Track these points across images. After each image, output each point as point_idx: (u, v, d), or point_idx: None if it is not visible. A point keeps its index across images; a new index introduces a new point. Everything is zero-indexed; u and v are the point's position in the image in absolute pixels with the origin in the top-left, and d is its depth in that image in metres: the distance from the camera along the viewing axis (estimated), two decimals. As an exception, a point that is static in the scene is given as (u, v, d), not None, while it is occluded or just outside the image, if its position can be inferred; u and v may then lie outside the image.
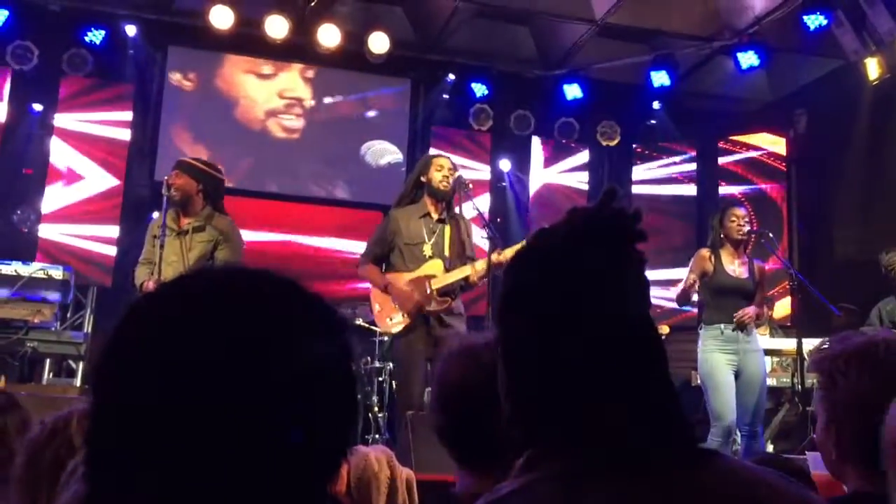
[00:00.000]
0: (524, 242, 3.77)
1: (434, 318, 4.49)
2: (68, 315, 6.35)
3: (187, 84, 8.11)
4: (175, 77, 8.06)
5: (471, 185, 4.59)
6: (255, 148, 8.21)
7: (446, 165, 4.64)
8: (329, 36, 7.53)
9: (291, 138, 8.34)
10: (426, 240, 4.56)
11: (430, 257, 4.54)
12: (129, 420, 0.68)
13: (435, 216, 4.61)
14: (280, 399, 0.69)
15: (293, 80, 8.40)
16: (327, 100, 8.45)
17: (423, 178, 4.65)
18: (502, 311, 1.04)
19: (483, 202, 7.37)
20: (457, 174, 4.63)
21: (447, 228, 4.61)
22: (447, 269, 4.53)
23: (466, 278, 4.51)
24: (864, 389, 1.40)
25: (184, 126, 8.03)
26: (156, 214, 4.93)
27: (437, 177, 4.58)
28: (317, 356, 0.74)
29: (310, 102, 8.40)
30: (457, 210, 4.65)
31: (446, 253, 4.58)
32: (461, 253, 4.60)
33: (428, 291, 4.46)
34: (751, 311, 4.89)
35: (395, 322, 4.54)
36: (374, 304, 4.66)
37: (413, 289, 4.48)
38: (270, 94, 8.31)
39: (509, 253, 4.35)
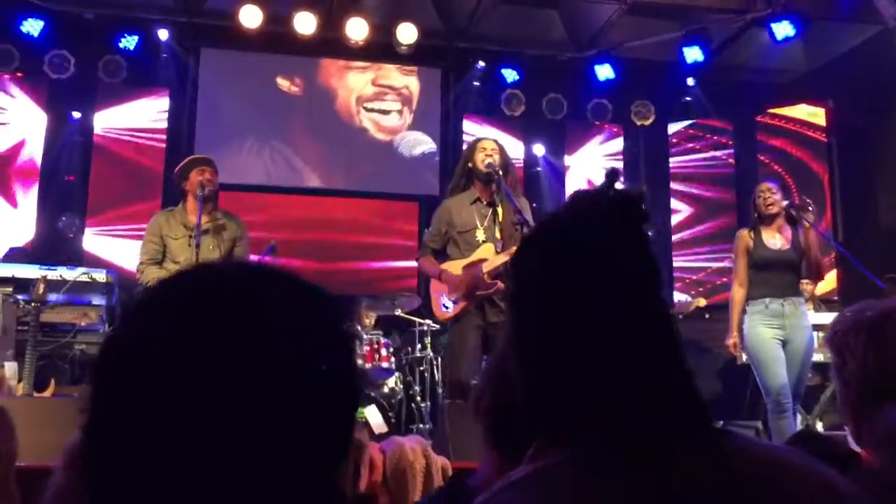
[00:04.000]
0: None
1: (487, 303, 4.51)
2: (114, 317, 6.47)
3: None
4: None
5: (499, 173, 4.55)
6: (303, 146, 8.29)
7: (489, 147, 4.64)
8: (357, 29, 7.55)
9: (326, 132, 8.40)
10: (478, 225, 4.58)
11: (483, 242, 4.56)
12: (127, 412, 0.69)
13: (485, 200, 4.61)
14: (272, 389, 0.70)
15: (325, 75, 8.45)
16: (358, 92, 8.48)
17: (469, 165, 4.66)
18: (512, 298, 1.04)
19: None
20: (496, 159, 4.59)
21: (499, 210, 4.60)
22: (498, 252, 4.54)
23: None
24: (871, 369, 1.32)
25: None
26: (156, 214, 5.07)
27: (479, 158, 4.58)
28: (311, 347, 0.75)
29: (345, 96, 8.45)
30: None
31: (497, 235, 4.57)
32: (514, 233, 4.58)
33: (480, 275, 4.47)
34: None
35: (448, 310, 4.56)
36: (433, 292, 4.71)
37: (466, 274, 4.51)
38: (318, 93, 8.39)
39: None
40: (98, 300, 5.59)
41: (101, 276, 5.62)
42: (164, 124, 7.95)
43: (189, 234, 4.68)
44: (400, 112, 8.49)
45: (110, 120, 7.82)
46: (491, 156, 4.57)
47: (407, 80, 8.54)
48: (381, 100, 8.47)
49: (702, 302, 6.75)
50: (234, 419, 0.68)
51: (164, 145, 7.91)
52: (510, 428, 1.48)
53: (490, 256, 4.52)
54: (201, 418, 0.68)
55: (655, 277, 1.01)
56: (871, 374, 1.31)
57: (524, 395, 1.02)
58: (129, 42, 7.64)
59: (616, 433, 0.92)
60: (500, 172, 4.54)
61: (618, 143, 8.86)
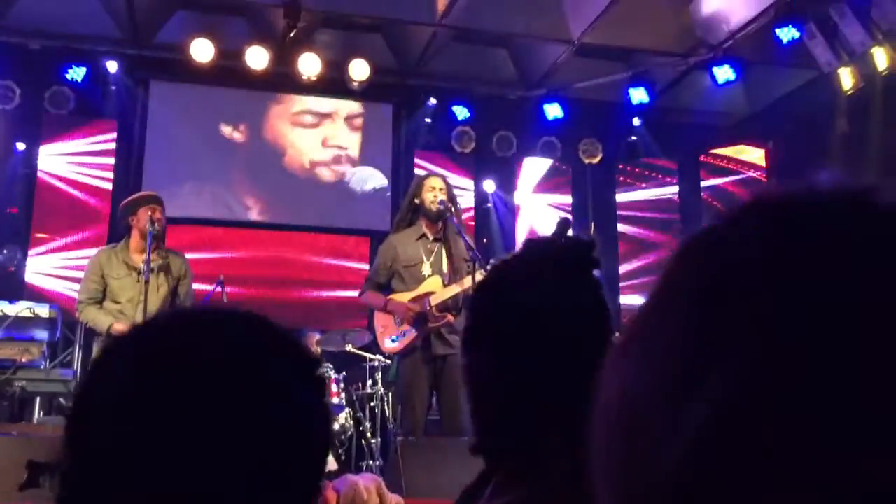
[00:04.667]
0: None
1: (435, 336, 4.50)
2: (57, 353, 6.33)
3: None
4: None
5: (451, 210, 4.58)
6: (250, 180, 8.25)
7: (437, 186, 4.63)
8: (310, 65, 7.58)
9: (276, 167, 8.38)
10: (424, 260, 4.57)
11: (430, 275, 4.56)
12: (100, 465, 0.70)
13: (431, 236, 4.62)
14: (250, 443, 0.71)
15: (280, 110, 8.45)
16: (310, 128, 8.50)
17: (416, 201, 4.65)
18: (466, 342, 1.08)
19: (468, 224, 7.42)
20: (445, 197, 4.61)
21: (444, 247, 4.62)
22: (445, 285, 4.54)
23: (466, 292, 4.52)
24: None
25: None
26: (97, 251, 4.99)
27: (429, 197, 4.58)
28: (291, 392, 0.76)
29: (297, 131, 8.45)
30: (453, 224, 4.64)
31: (444, 270, 4.59)
32: (460, 269, 4.60)
33: (427, 308, 4.47)
34: None
35: (397, 342, 4.54)
36: (378, 326, 4.68)
37: (413, 302, 4.50)
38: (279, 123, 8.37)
39: None
40: (40, 336, 5.47)
41: (43, 310, 5.50)
42: (112, 157, 7.85)
43: (132, 272, 4.64)
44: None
45: (56, 152, 7.69)
46: (439, 196, 4.58)
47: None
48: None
49: None
50: (219, 469, 0.69)
51: (111, 178, 7.80)
52: None
53: (437, 290, 4.53)
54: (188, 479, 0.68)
55: (607, 320, 1.06)
56: None
57: (478, 434, 1.05)
58: (77, 73, 7.54)
59: (566, 472, 0.95)
60: (451, 212, 4.58)
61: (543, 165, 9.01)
